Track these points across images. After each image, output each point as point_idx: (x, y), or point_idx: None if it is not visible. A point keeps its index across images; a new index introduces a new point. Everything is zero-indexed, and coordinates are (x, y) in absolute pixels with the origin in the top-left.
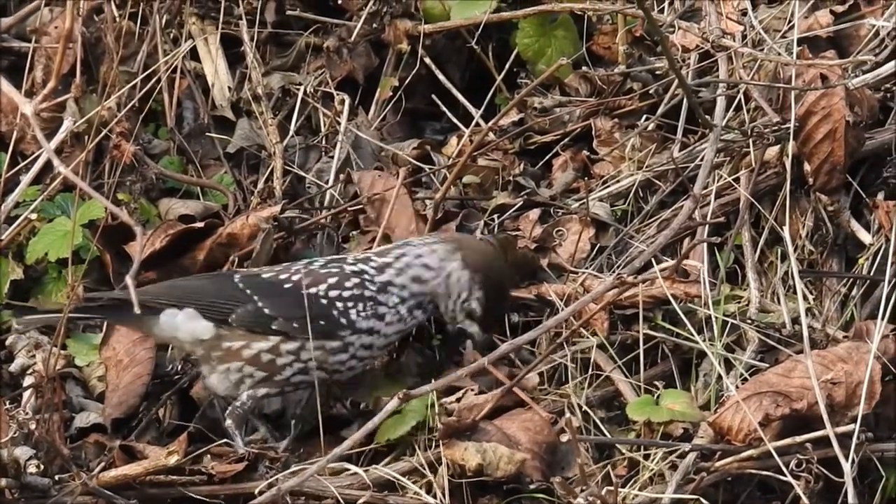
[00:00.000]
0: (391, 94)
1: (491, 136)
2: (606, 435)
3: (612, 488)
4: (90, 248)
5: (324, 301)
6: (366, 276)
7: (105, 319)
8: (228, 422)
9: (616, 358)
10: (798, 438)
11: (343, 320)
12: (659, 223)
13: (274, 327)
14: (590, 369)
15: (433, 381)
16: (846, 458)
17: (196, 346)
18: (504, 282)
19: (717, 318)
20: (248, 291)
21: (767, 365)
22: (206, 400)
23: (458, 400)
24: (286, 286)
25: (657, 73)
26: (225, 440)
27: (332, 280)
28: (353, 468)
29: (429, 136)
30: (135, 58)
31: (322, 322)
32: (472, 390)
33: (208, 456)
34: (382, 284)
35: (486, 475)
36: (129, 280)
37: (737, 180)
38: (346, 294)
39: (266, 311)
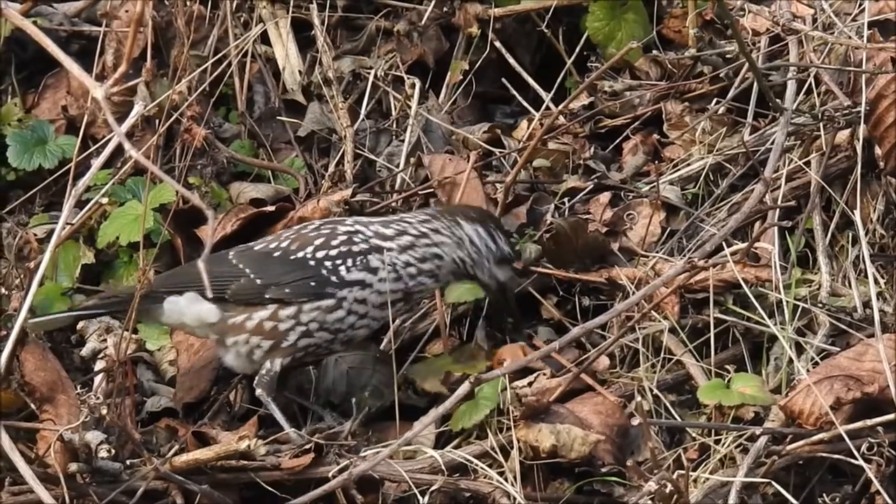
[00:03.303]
0: (461, 77)
1: (561, 119)
2: (677, 419)
3: (683, 472)
4: (161, 231)
5: (311, 263)
6: (359, 235)
7: (113, 315)
8: (259, 391)
9: (687, 342)
10: (869, 422)
11: (333, 278)
12: (730, 207)
13: (267, 296)
14: (661, 353)
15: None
16: None
17: (206, 330)
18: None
19: (788, 301)
20: (241, 265)
21: (838, 349)
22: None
23: (530, 384)
24: (275, 254)
25: (727, 56)
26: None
27: (318, 241)
28: (429, 451)
29: (499, 119)
30: (205, 42)
31: (313, 283)
32: (545, 374)
33: (278, 446)
34: (377, 247)
35: (559, 456)
36: (200, 264)
37: (807, 164)
38: (332, 252)
39: (258, 281)
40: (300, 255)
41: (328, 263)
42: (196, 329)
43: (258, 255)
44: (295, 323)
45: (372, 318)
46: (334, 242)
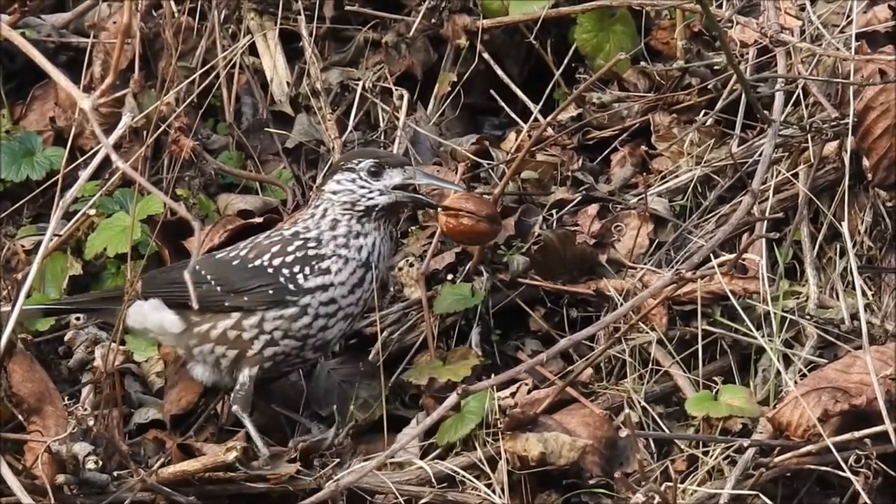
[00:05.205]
0: (449, 89)
1: (549, 131)
2: (665, 430)
3: (671, 484)
4: (149, 243)
5: (269, 270)
6: (302, 236)
7: (85, 315)
8: (234, 407)
9: (674, 353)
10: (857, 434)
11: (291, 286)
12: (717, 218)
13: (227, 304)
14: (649, 365)
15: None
16: None
17: (170, 340)
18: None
19: (775, 313)
20: (203, 272)
21: (826, 360)
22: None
23: (513, 395)
24: (234, 263)
25: (715, 68)
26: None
27: (274, 248)
28: (418, 462)
29: (487, 131)
30: (193, 53)
31: (270, 291)
32: (526, 384)
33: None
34: (318, 237)
35: (548, 464)
36: (186, 275)
37: (795, 176)
38: (289, 259)
39: (218, 289)
40: (257, 262)
41: (285, 271)
42: (159, 337)
43: (218, 262)
44: (259, 332)
45: (345, 315)
46: (290, 248)
